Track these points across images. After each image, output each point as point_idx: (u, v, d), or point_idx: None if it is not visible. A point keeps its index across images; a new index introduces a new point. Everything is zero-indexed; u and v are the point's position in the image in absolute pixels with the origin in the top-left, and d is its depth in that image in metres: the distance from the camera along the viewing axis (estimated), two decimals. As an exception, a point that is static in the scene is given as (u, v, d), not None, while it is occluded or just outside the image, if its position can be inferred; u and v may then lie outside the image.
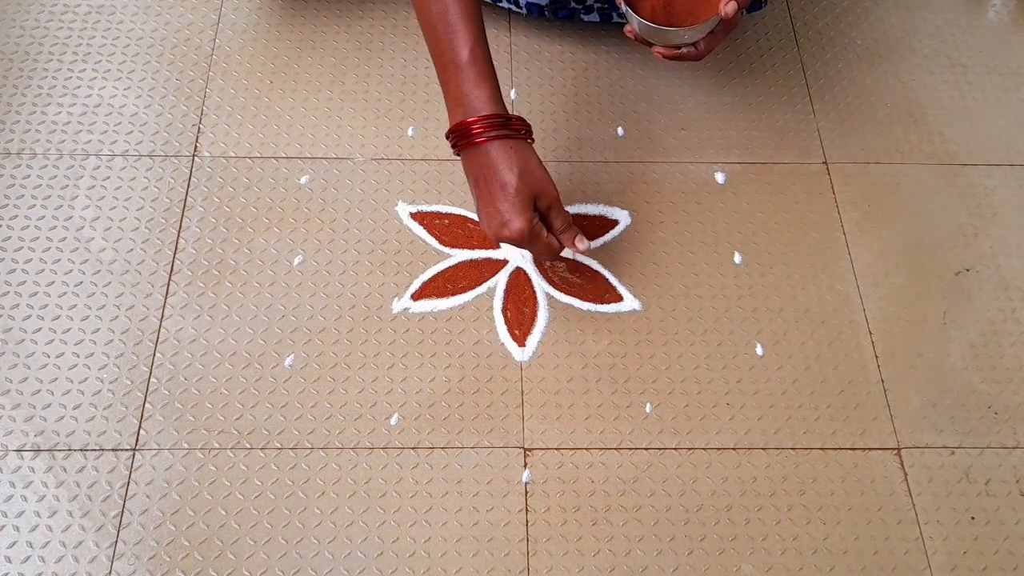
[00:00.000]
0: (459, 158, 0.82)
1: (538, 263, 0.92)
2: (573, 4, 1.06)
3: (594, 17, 1.07)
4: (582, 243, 0.82)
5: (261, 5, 1.12)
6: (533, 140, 0.81)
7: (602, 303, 0.91)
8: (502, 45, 1.08)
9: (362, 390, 0.85)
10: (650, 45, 0.84)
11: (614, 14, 1.06)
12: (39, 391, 0.83)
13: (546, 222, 0.81)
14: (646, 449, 0.82)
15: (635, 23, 0.81)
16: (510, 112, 0.81)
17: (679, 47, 0.82)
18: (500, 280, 0.92)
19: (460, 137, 0.79)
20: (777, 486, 0.81)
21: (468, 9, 0.79)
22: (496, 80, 0.80)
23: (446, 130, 0.82)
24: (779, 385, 0.86)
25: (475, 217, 0.95)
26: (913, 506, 0.80)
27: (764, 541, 0.78)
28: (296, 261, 0.92)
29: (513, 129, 0.79)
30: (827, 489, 0.81)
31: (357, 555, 0.76)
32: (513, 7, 1.07)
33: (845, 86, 1.08)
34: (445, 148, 1.01)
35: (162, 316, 0.88)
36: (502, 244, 0.91)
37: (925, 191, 1.00)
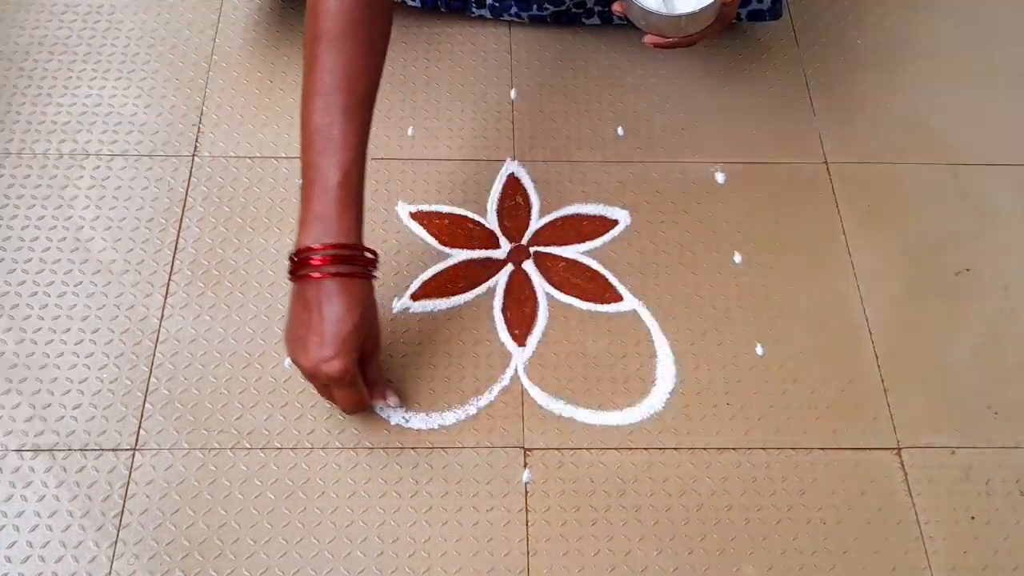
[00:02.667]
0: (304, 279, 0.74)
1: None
2: (574, 10, 1.06)
3: (595, 20, 1.08)
4: (392, 399, 0.81)
5: (261, 5, 1.12)
6: (376, 277, 0.77)
7: (602, 303, 0.91)
8: (502, 45, 1.08)
9: (362, 390, 0.85)
10: (636, 27, 0.85)
11: (614, 18, 1.06)
12: (39, 391, 0.83)
13: (361, 369, 0.77)
14: (646, 449, 0.82)
15: (639, 13, 0.82)
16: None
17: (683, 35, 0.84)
18: (500, 280, 0.91)
19: (325, 261, 0.73)
20: (777, 486, 0.81)
21: (356, 128, 0.74)
22: (361, 209, 0.75)
23: (301, 222, 0.75)
24: (779, 385, 0.86)
25: (476, 217, 0.95)
26: (913, 506, 0.80)
27: (764, 541, 0.78)
28: (296, 261, 0.92)
29: (365, 264, 0.75)
30: (827, 489, 0.81)
31: (357, 555, 0.76)
32: (515, 19, 1.08)
33: (845, 86, 1.08)
34: (445, 148, 1.01)
35: (162, 316, 0.88)
36: (325, 367, 0.74)
37: (925, 191, 1.00)
